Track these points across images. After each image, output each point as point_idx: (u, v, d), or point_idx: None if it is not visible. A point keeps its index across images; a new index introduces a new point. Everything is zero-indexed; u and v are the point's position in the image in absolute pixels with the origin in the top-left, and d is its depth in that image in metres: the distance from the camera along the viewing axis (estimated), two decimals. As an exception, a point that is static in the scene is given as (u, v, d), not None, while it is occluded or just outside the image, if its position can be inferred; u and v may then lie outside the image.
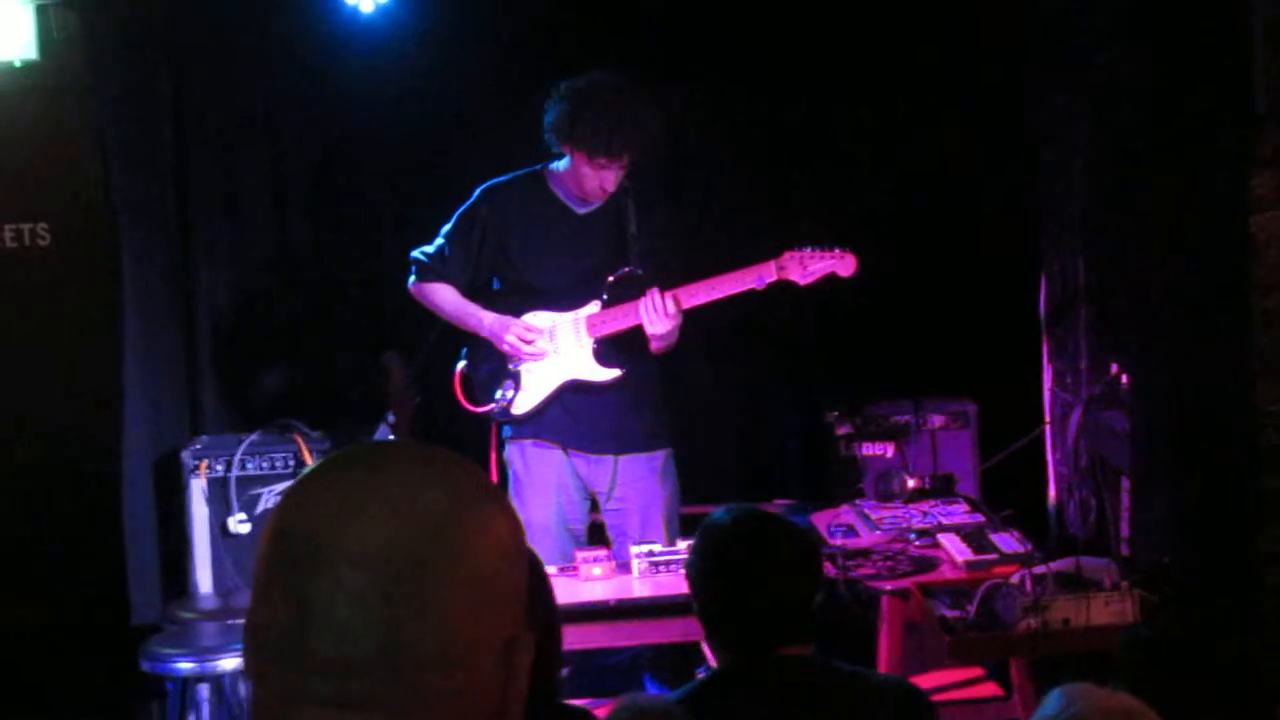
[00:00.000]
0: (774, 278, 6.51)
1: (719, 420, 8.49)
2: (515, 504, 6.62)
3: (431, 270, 6.88)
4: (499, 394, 6.79)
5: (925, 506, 6.74)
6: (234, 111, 8.31)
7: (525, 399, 6.81)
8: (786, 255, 6.51)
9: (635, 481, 6.86)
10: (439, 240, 6.88)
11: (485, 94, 8.03)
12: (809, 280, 6.53)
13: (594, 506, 7.01)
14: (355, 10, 7.78)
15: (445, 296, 6.89)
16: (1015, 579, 5.40)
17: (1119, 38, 6.31)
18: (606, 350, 6.75)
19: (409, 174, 8.20)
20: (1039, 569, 5.41)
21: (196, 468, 7.61)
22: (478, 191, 6.88)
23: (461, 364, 6.94)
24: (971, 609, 5.37)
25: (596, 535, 7.04)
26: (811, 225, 6.96)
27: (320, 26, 8.01)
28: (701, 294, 6.57)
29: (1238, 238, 5.23)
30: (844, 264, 6.53)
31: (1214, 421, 5.54)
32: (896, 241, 7.88)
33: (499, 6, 8.09)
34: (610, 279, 6.70)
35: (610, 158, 6.52)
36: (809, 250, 6.50)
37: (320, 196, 8.43)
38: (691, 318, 6.66)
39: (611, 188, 6.64)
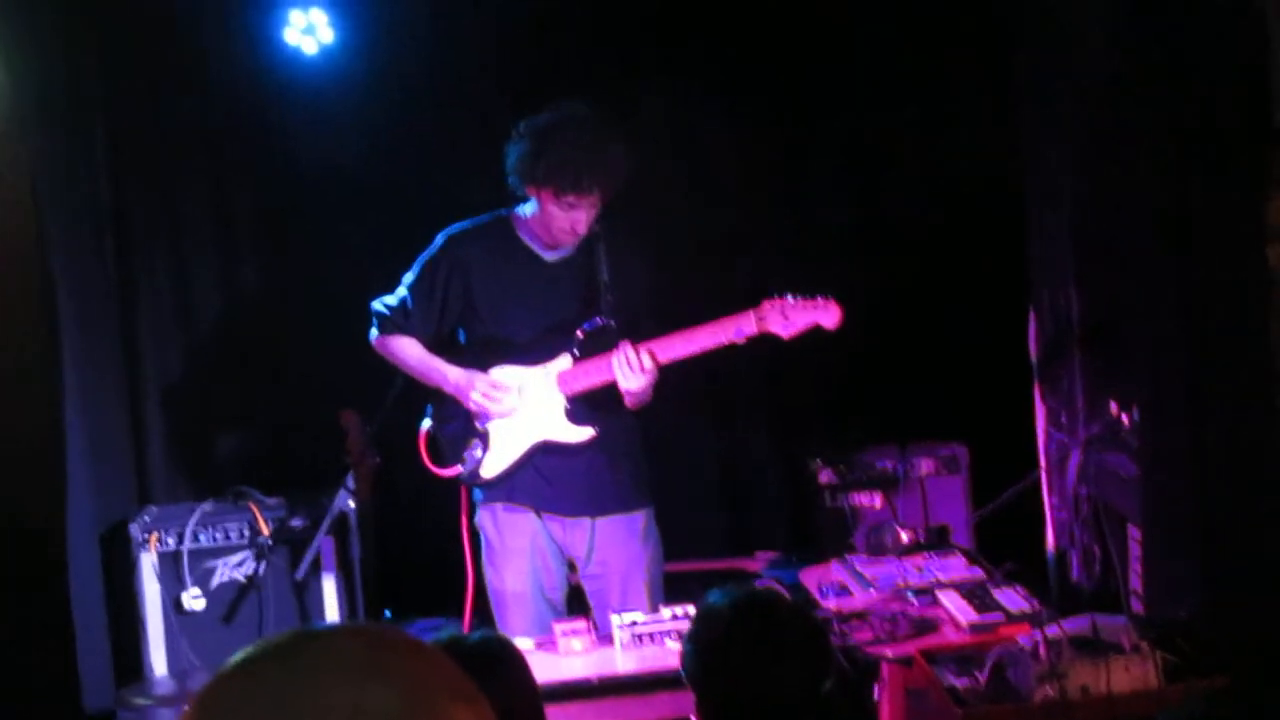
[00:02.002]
0: (754, 330, 6.13)
1: (696, 471, 8.18)
2: (488, 572, 6.45)
3: (393, 323, 6.55)
4: (467, 455, 6.45)
5: (920, 561, 6.42)
6: (175, 163, 8.02)
7: (495, 460, 6.46)
8: (766, 305, 6.13)
9: (615, 544, 6.52)
10: (400, 291, 6.55)
11: (439, 135, 7.71)
12: (792, 333, 6.14)
13: (572, 569, 6.66)
14: (298, 51, 7.57)
15: (409, 351, 6.55)
16: (1027, 643, 5.03)
17: (1118, 46, 5.93)
18: (579, 408, 6.40)
19: (362, 221, 7.86)
20: (1052, 631, 5.03)
21: (146, 541, 7.30)
22: (439, 238, 6.54)
23: (427, 423, 6.58)
24: (982, 677, 5.03)
25: (576, 600, 6.68)
26: (790, 270, 6.58)
27: (261, 69, 7.78)
28: (677, 347, 6.21)
29: (1253, 267, 4.88)
30: (828, 314, 6.13)
31: (1237, 466, 5.18)
32: (878, 279, 7.56)
33: (448, 42, 7.78)
34: (580, 332, 6.33)
35: (579, 194, 6.17)
36: (790, 299, 6.12)
37: (268, 248, 8.13)
38: (665, 366, 6.28)
39: (583, 229, 6.30)
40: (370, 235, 7.72)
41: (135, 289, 7.95)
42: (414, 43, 7.80)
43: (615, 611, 6.08)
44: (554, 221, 6.29)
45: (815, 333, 6.21)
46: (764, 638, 3.87)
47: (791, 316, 6.11)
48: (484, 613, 6.59)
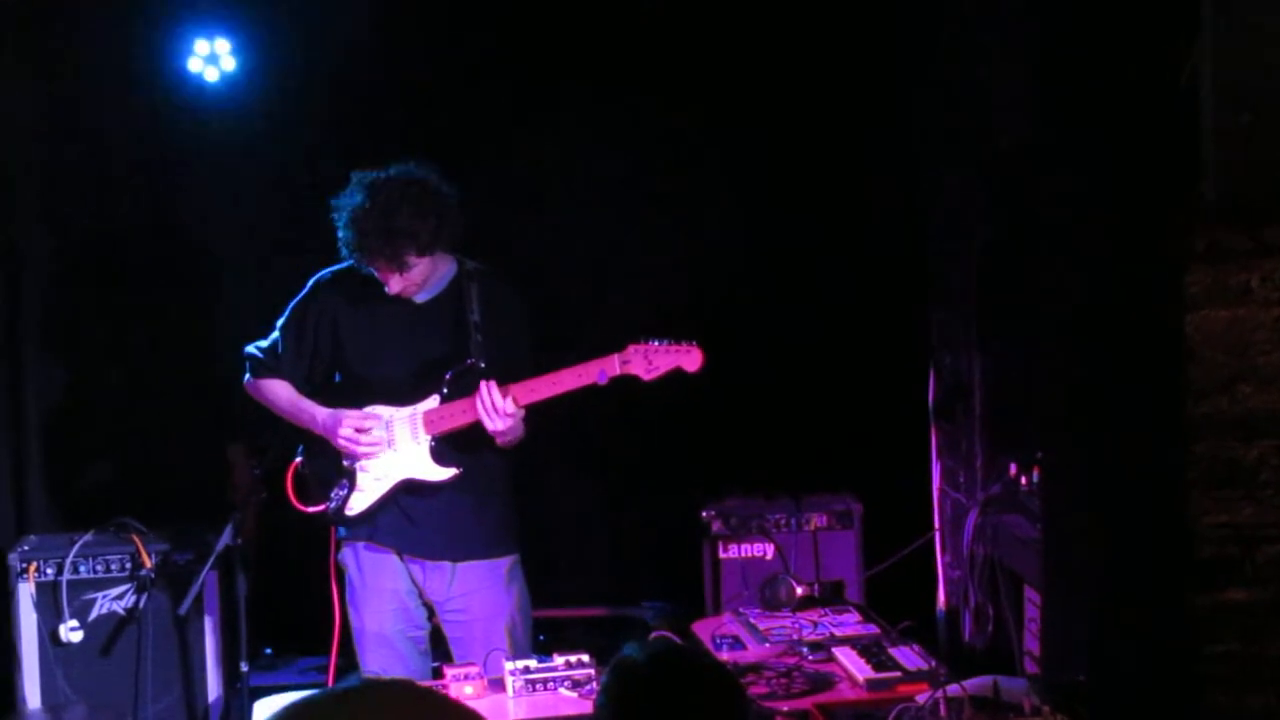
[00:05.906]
0: (617, 372, 6.18)
1: (584, 517, 8.09)
2: (350, 611, 6.42)
3: (265, 366, 6.55)
4: (333, 493, 6.42)
5: (814, 615, 6.35)
6: (65, 189, 7.89)
7: (360, 499, 6.43)
8: (631, 349, 6.18)
9: (477, 590, 6.49)
10: (273, 334, 6.55)
11: (331, 170, 7.59)
12: (653, 376, 6.19)
13: (432, 613, 6.61)
14: (200, 79, 7.51)
15: (279, 393, 6.54)
16: (926, 701, 5.00)
17: (1028, 115, 5.95)
18: (444, 448, 6.38)
19: (259, 255, 7.75)
20: (953, 690, 5.01)
21: (24, 570, 7.14)
22: (310, 282, 6.54)
23: (297, 460, 6.52)
24: (881, 736, 4.98)
25: (438, 642, 6.62)
26: (681, 319, 6.58)
27: (160, 96, 7.69)
28: (541, 389, 6.23)
29: (1170, 338, 4.86)
30: (689, 358, 6.19)
31: (1142, 534, 5.17)
32: (780, 329, 7.54)
33: (349, 76, 7.70)
34: (448, 373, 6.33)
35: (391, 267, 6.20)
36: (654, 344, 6.18)
37: (159, 279, 7.97)
38: (550, 407, 6.28)
39: (419, 285, 6.33)
40: (269, 268, 7.60)
41: (19, 317, 7.81)
42: (313, 75, 7.72)
43: (481, 654, 6.09)
44: (390, 283, 6.29)
45: (718, 382, 6.27)
46: (684, 693, 3.79)
47: (654, 360, 6.17)
48: (351, 652, 6.52)
